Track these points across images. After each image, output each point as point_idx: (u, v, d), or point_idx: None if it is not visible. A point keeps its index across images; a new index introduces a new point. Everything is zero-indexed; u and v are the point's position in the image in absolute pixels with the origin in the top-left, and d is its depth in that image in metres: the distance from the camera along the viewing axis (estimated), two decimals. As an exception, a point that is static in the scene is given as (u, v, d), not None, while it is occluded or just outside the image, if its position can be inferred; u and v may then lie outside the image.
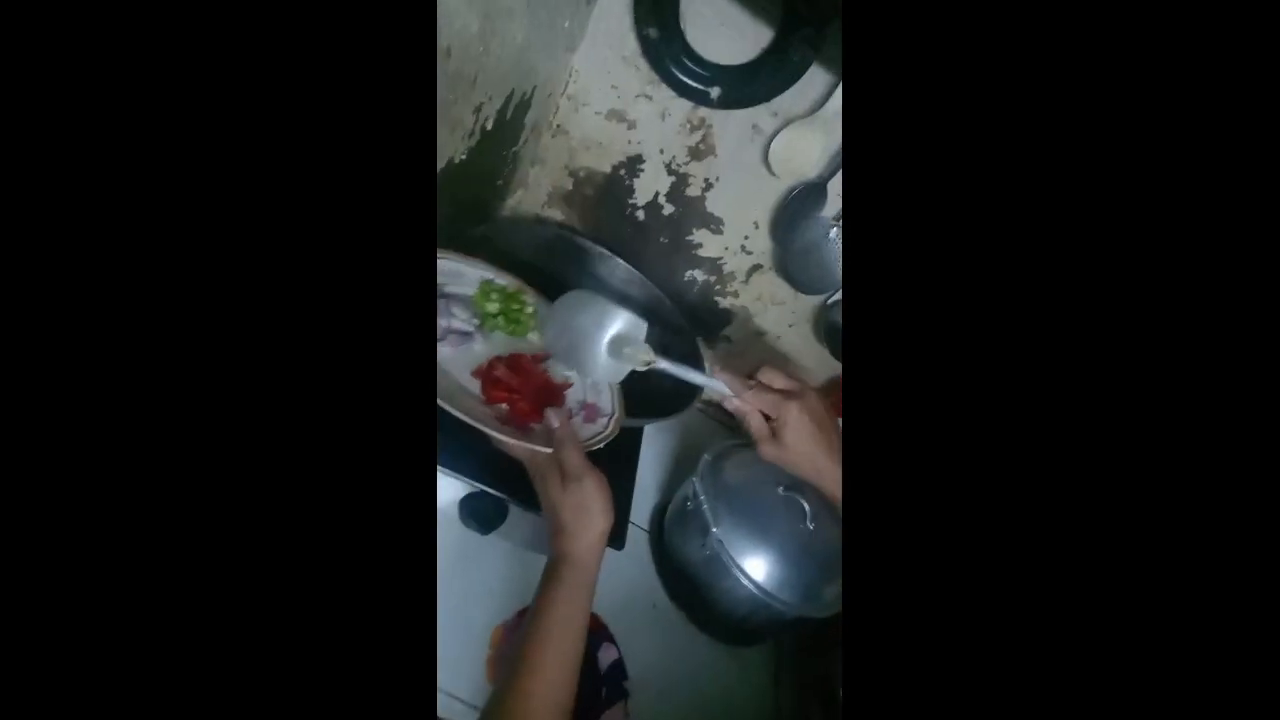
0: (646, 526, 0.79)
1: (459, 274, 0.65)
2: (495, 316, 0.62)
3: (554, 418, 0.51)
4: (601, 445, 0.55)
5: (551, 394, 0.58)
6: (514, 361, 0.58)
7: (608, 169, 0.83)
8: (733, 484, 0.70)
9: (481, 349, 0.60)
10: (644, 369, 0.52)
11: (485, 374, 0.56)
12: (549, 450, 0.50)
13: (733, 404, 0.53)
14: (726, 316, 0.92)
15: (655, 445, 0.88)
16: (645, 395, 0.73)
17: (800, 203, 0.78)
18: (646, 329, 0.53)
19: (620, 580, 0.72)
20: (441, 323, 0.61)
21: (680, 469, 0.87)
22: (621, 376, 0.54)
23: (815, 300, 0.86)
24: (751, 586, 0.65)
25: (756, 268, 0.87)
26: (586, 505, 0.49)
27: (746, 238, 0.85)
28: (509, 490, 0.64)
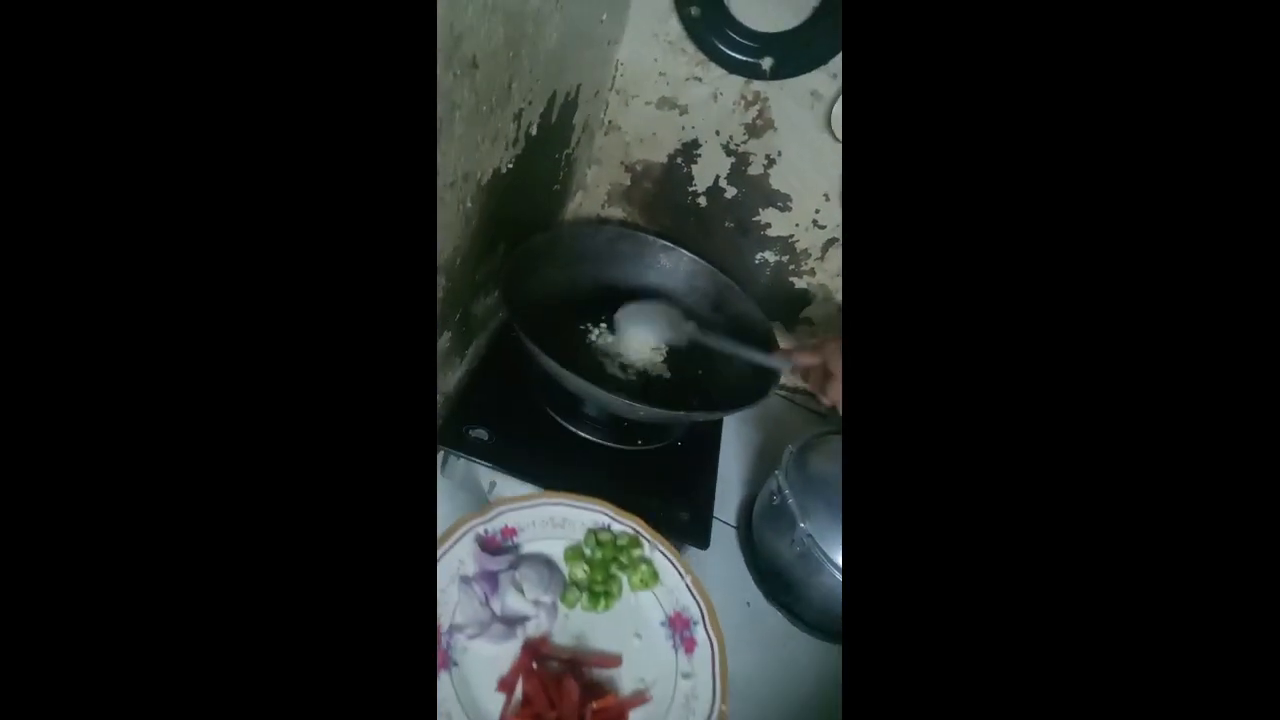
0: (734, 523, 0.76)
1: (563, 522, 0.55)
2: (582, 588, 0.51)
3: None
4: None
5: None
6: (553, 681, 0.44)
7: (664, 159, 0.81)
8: (820, 475, 0.66)
9: (533, 638, 0.47)
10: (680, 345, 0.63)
11: (512, 683, 0.44)
12: None
13: (790, 366, 0.59)
14: (804, 297, 0.87)
15: (739, 436, 0.85)
16: (721, 385, 0.71)
17: (871, 167, 0.72)
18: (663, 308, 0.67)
19: (711, 581, 0.70)
20: (480, 609, 0.47)
21: (766, 460, 0.84)
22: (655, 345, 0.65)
23: (899, 270, 0.79)
24: (848, 582, 0.61)
25: (832, 241, 0.82)
26: None
27: (818, 211, 0.80)
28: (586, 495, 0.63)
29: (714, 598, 0.70)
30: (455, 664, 0.46)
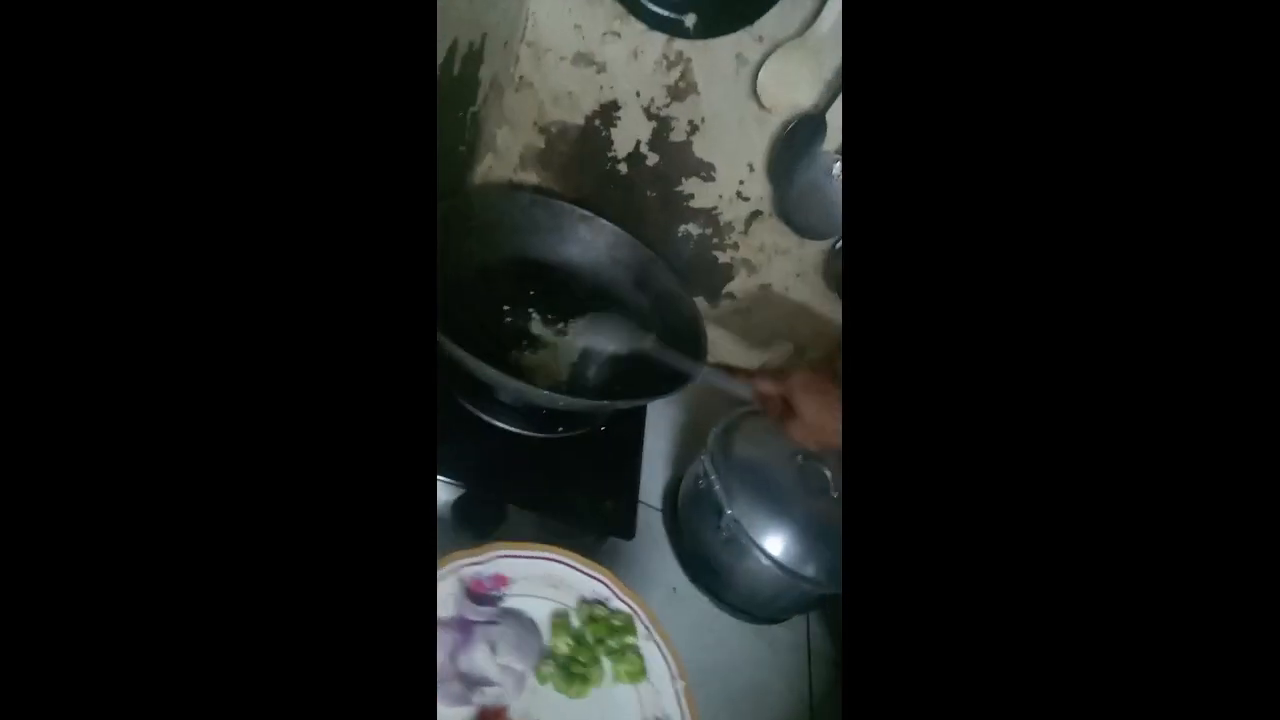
0: (659, 505, 0.74)
1: (559, 583, 0.48)
2: (560, 664, 0.45)
3: None
4: None
5: None
6: None
7: (581, 121, 0.75)
8: (746, 457, 0.65)
9: (490, 708, 0.42)
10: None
11: None
12: None
13: (749, 392, 0.55)
14: (727, 272, 0.84)
15: (664, 416, 0.83)
16: (644, 371, 0.67)
17: (797, 138, 0.70)
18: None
19: (636, 566, 0.68)
20: (445, 661, 0.42)
21: (692, 439, 0.82)
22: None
23: (822, 245, 0.78)
24: (774, 566, 0.60)
25: (756, 215, 0.79)
26: None
27: (742, 182, 0.77)
28: (504, 489, 0.59)
29: (639, 583, 0.68)
30: None
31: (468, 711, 0.42)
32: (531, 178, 0.81)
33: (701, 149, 0.75)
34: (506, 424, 0.63)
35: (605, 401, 0.58)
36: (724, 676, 0.64)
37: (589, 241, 0.76)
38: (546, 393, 0.53)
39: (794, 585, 0.61)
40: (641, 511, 0.69)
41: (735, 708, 0.61)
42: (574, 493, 0.62)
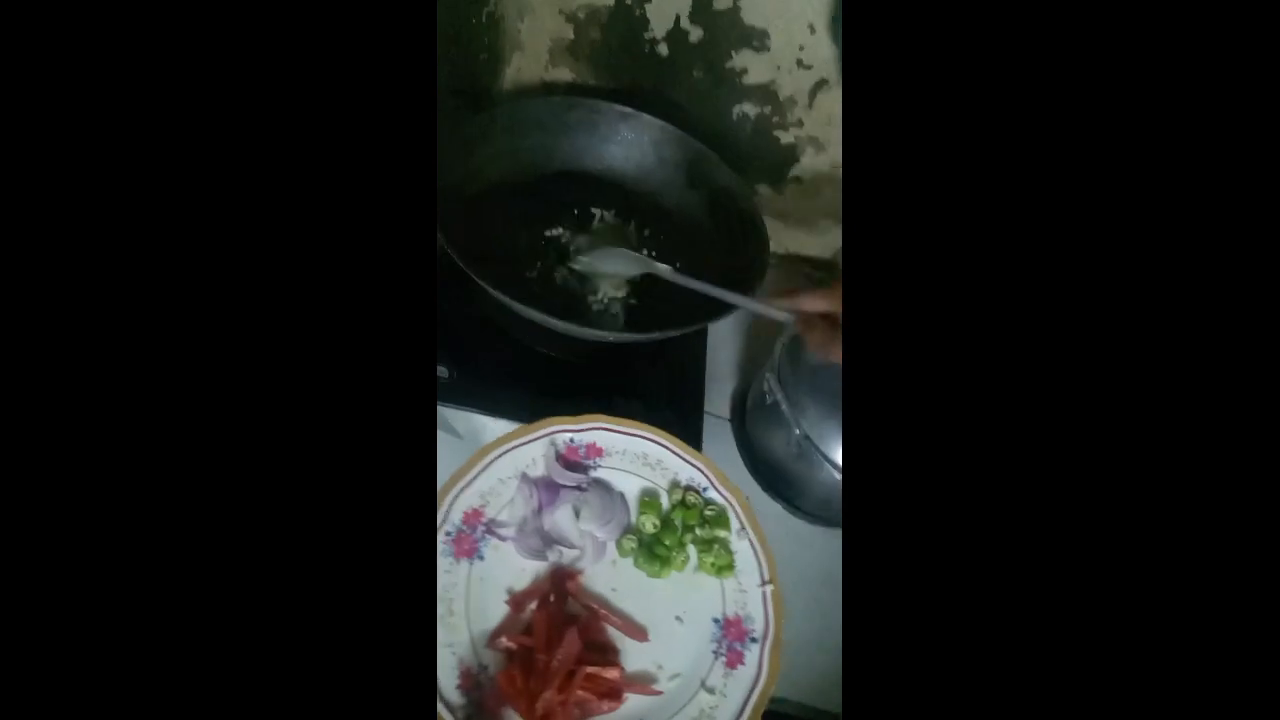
0: (728, 416, 0.73)
1: (657, 464, 0.50)
2: (643, 542, 0.45)
3: None
4: None
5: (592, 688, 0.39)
6: (562, 625, 0.40)
7: (611, 0, 0.66)
8: (814, 368, 0.61)
9: (564, 568, 0.44)
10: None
11: (523, 603, 0.42)
12: None
13: (787, 317, 0.48)
14: (791, 153, 0.76)
15: (729, 323, 0.79)
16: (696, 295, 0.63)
17: (865, -13, 0.58)
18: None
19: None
20: (530, 515, 0.45)
21: (757, 345, 0.78)
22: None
23: (900, 114, 0.67)
24: (848, 480, 0.58)
25: (821, 84, 0.69)
26: None
27: (801, 49, 0.66)
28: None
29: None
30: (480, 558, 0.43)
31: (542, 567, 0.44)
32: (565, 73, 0.74)
33: (751, 14, 0.65)
34: (560, 355, 0.62)
35: (657, 334, 0.55)
36: (797, 572, 0.65)
37: (632, 141, 0.70)
38: (598, 332, 0.51)
39: (869, 497, 0.59)
40: (707, 422, 0.68)
41: (814, 599, 0.62)
42: (632, 406, 0.61)
